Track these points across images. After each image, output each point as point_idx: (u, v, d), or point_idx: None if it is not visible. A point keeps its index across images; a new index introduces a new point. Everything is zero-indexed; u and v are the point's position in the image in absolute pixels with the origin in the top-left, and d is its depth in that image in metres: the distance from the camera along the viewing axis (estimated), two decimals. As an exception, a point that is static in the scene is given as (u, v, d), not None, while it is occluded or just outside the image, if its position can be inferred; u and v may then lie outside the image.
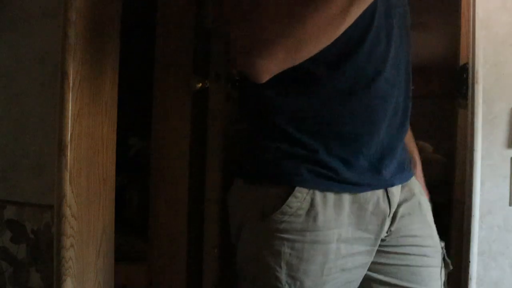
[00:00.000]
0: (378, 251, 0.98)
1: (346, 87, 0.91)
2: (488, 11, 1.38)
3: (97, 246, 1.12)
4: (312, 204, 0.92)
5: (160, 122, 1.63)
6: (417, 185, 1.07)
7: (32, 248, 1.12)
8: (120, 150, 1.20)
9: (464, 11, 1.47)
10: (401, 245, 1.00)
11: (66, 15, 1.02)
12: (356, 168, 0.93)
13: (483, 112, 1.38)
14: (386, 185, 0.97)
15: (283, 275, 0.92)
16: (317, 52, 0.82)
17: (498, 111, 1.38)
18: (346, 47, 0.88)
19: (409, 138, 1.15)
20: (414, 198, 1.02)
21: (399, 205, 0.99)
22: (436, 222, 1.07)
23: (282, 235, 0.92)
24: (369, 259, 0.98)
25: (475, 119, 1.38)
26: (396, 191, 0.99)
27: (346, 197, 0.94)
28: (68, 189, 1.03)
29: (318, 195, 0.92)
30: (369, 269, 0.99)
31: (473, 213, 1.39)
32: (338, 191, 0.93)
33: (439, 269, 1.04)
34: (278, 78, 0.85)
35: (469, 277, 1.37)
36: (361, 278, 0.99)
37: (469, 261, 1.38)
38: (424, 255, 1.02)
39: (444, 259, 1.05)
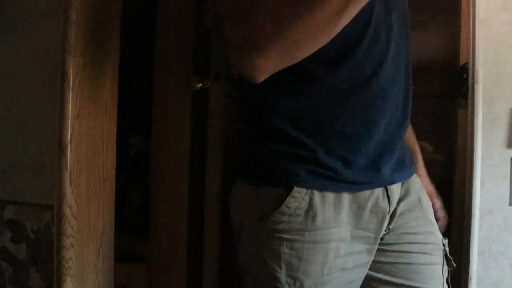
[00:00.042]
0: (378, 250, 0.98)
1: (344, 85, 0.91)
2: (488, 11, 1.38)
3: (97, 246, 1.12)
4: (310, 204, 0.92)
5: (160, 122, 1.63)
6: (417, 182, 1.06)
7: (32, 248, 1.12)
8: (120, 150, 1.19)
9: (464, 11, 1.47)
10: (401, 243, 1.00)
11: (66, 15, 1.02)
12: (355, 167, 0.94)
13: (483, 112, 1.38)
14: (386, 183, 0.97)
15: (282, 275, 0.92)
16: (314, 51, 0.82)
17: (498, 111, 1.38)
18: (343, 46, 0.88)
19: (410, 135, 1.15)
20: (414, 195, 1.02)
21: (398, 202, 0.99)
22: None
23: (281, 235, 0.92)
24: (369, 258, 0.98)
25: (475, 119, 1.38)
26: (396, 189, 0.99)
27: (345, 196, 0.94)
28: (68, 189, 1.03)
29: (317, 195, 0.92)
30: (370, 268, 0.99)
31: (473, 213, 1.39)
32: (337, 190, 0.93)
33: (441, 267, 1.04)
34: (276, 78, 0.85)
35: (469, 277, 1.37)
36: (363, 278, 0.99)
37: (469, 261, 1.38)
38: (425, 253, 1.01)
39: (446, 256, 1.05)
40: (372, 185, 0.96)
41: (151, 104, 1.63)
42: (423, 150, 1.22)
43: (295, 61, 0.83)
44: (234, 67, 0.92)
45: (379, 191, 0.96)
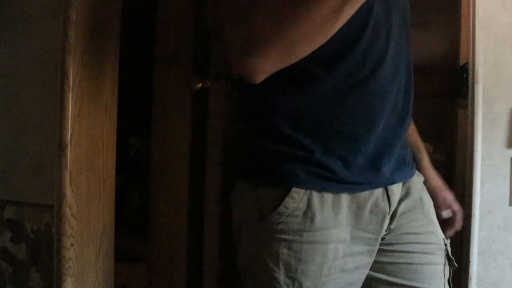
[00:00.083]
0: (379, 250, 0.98)
1: (343, 85, 0.91)
2: (488, 11, 1.38)
3: (97, 246, 1.12)
4: (309, 205, 0.92)
5: (160, 122, 1.63)
6: (419, 181, 1.06)
7: (32, 248, 1.12)
8: (120, 150, 1.19)
9: (464, 11, 1.48)
10: (402, 243, 1.00)
11: (66, 15, 1.02)
12: (354, 167, 0.93)
13: (483, 112, 1.38)
14: (386, 183, 0.96)
15: (281, 276, 0.92)
16: (312, 51, 0.82)
17: (498, 111, 1.38)
18: (341, 45, 0.88)
19: (412, 131, 1.14)
20: (415, 195, 1.02)
21: (399, 202, 0.99)
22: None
23: (280, 236, 0.92)
24: (370, 259, 0.97)
25: (475, 119, 1.38)
26: (396, 189, 0.98)
27: (345, 197, 0.94)
28: (68, 189, 1.03)
29: (315, 195, 0.92)
30: (370, 269, 0.99)
31: (473, 213, 1.39)
32: (336, 191, 0.93)
33: (442, 267, 1.03)
34: (274, 78, 0.85)
35: (469, 277, 1.37)
36: (363, 279, 0.98)
37: (469, 261, 1.38)
38: (427, 253, 1.01)
39: (447, 256, 1.04)
40: (372, 185, 0.95)
41: (151, 104, 1.64)
42: (423, 150, 1.22)
43: (293, 61, 0.83)
44: (234, 67, 0.91)
45: (379, 191, 0.96)
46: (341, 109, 0.92)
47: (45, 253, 1.09)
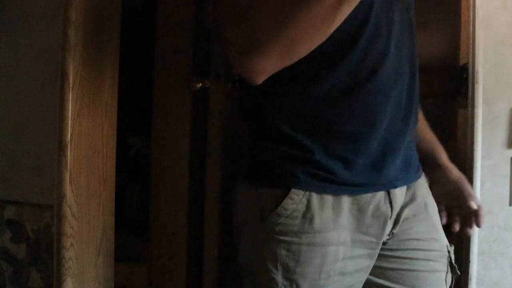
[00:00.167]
0: (380, 255, 0.97)
1: (343, 84, 0.90)
2: (488, 11, 1.37)
3: (97, 246, 1.12)
4: (308, 206, 0.91)
5: (160, 122, 1.63)
6: (424, 186, 1.05)
7: (32, 248, 1.12)
8: (120, 150, 1.19)
9: (464, 11, 1.47)
10: (404, 249, 0.99)
11: (66, 15, 1.02)
12: (355, 168, 0.92)
13: (483, 112, 1.38)
14: (388, 186, 0.95)
15: (279, 277, 0.92)
16: (312, 50, 0.82)
17: (498, 111, 1.38)
18: (341, 44, 0.88)
19: (425, 129, 1.13)
20: (420, 200, 1.01)
21: (403, 207, 0.97)
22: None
23: (279, 237, 0.92)
24: (370, 263, 0.96)
25: (475, 119, 1.38)
26: (399, 193, 0.97)
27: (345, 199, 0.93)
28: (68, 189, 1.03)
29: (315, 197, 0.91)
30: (371, 274, 0.98)
31: (473, 213, 1.38)
32: (336, 193, 0.92)
33: (444, 274, 1.02)
34: (274, 78, 0.85)
35: (469, 277, 1.37)
36: (363, 282, 0.97)
37: (469, 261, 1.37)
38: (429, 260, 1.00)
39: (450, 263, 1.03)
40: (374, 188, 0.94)
41: (151, 104, 1.63)
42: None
43: (293, 60, 0.83)
44: (234, 67, 0.91)
45: (381, 194, 0.94)
46: (341, 109, 0.91)
47: (45, 253, 1.09)
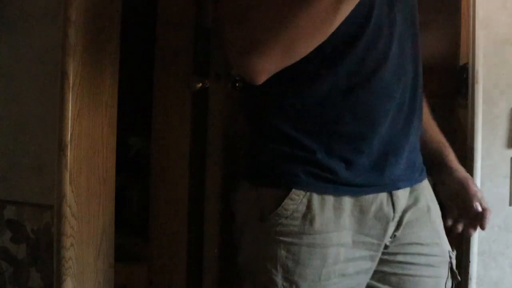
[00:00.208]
0: (382, 260, 0.96)
1: (344, 84, 0.90)
2: (488, 11, 1.37)
3: (97, 246, 1.12)
4: (308, 207, 0.91)
5: (160, 122, 1.63)
6: (428, 189, 1.04)
7: (32, 248, 1.12)
8: (120, 150, 1.19)
9: (464, 11, 1.47)
10: (406, 254, 0.98)
11: (66, 15, 1.02)
12: (357, 168, 0.92)
13: (483, 112, 1.38)
14: (391, 187, 0.95)
15: (279, 278, 0.91)
16: (312, 49, 0.82)
17: (498, 111, 1.38)
18: (341, 43, 0.88)
19: (433, 128, 1.13)
20: (423, 203, 1.00)
21: (405, 211, 0.97)
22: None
23: (279, 238, 0.91)
24: (371, 265, 0.96)
25: (475, 119, 1.38)
26: (402, 195, 0.96)
27: (347, 200, 0.92)
28: (68, 189, 1.04)
29: (316, 197, 0.91)
30: (373, 278, 0.97)
31: (473, 213, 1.38)
32: (337, 193, 0.91)
33: (445, 280, 1.02)
34: (275, 78, 0.85)
35: (469, 277, 1.37)
36: (364, 285, 0.97)
37: (469, 261, 1.37)
38: (430, 265, 1.00)
39: (451, 269, 1.03)
40: (376, 189, 0.93)
41: (151, 104, 1.63)
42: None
43: (294, 60, 0.83)
44: (235, 67, 0.91)
45: (383, 195, 0.94)
46: (342, 109, 0.91)
47: (45, 253, 1.09)
